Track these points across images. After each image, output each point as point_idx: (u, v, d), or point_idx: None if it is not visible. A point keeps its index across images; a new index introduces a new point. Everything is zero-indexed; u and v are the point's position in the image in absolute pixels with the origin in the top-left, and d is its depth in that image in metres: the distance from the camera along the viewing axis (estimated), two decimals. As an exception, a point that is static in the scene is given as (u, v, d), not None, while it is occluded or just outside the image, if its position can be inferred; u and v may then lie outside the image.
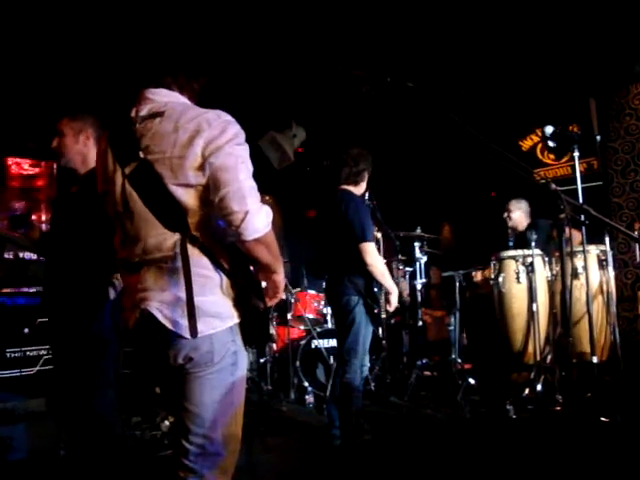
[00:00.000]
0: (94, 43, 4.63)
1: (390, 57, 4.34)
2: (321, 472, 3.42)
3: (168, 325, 1.68)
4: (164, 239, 1.70)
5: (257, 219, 1.64)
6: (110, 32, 4.45)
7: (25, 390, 4.76)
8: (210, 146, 1.64)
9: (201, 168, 1.64)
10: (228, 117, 1.72)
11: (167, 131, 1.68)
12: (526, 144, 7.19)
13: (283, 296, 1.95)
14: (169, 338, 1.70)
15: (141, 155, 1.69)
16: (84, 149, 2.81)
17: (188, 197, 1.67)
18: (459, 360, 5.00)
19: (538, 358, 4.44)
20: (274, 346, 5.33)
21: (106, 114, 1.81)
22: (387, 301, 3.54)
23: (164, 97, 1.78)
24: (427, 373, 5.37)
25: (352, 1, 4.28)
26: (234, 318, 1.75)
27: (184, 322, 1.67)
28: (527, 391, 4.41)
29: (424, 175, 7.57)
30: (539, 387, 4.34)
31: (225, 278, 1.73)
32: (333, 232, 3.61)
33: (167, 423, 4.12)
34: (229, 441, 1.79)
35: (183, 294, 1.68)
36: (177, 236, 1.69)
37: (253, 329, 1.79)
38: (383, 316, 3.56)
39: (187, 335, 1.67)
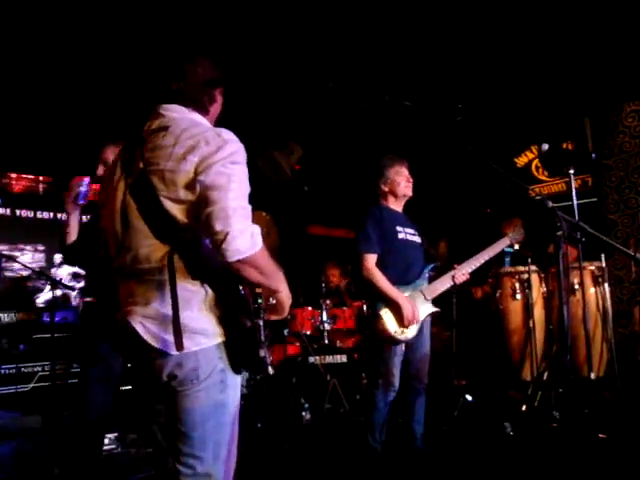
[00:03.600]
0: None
1: (388, 76, 4.39)
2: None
3: (149, 340, 1.67)
4: (154, 250, 1.69)
5: (239, 241, 1.58)
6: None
7: (20, 407, 4.73)
8: (203, 163, 1.62)
9: (192, 185, 1.62)
10: (229, 136, 1.69)
11: (167, 144, 1.67)
12: (521, 161, 7.25)
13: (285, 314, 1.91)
14: (152, 353, 1.69)
15: (141, 166, 1.69)
16: None
17: (178, 211, 1.66)
18: (456, 376, 4.98)
19: (535, 374, 4.44)
20: (270, 369, 5.15)
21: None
22: (400, 317, 3.32)
23: (174, 113, 1.78)
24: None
25: (352, 20, 4.33)
26: (220, 336, 1.71)
27: (167, 337, 1.65)
28: (524, 407, 4.40)
29: (420, 192, 7.59)
30: (536, 404, 4.33)
31: (211, 294, 1.70)
32: None
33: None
34: (221, 461, 1.75)
35: (167, 309, 1.67)
36: (166, 248, 1.68)
37: (239, 349, 1.73)
38: (400, 331, 3.37)
39: (170, 351, 1.65)
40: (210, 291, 1.70)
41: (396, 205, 3.67)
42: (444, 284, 3.59)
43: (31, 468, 3.54)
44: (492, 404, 4.83)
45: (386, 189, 3.62)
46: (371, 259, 3.37)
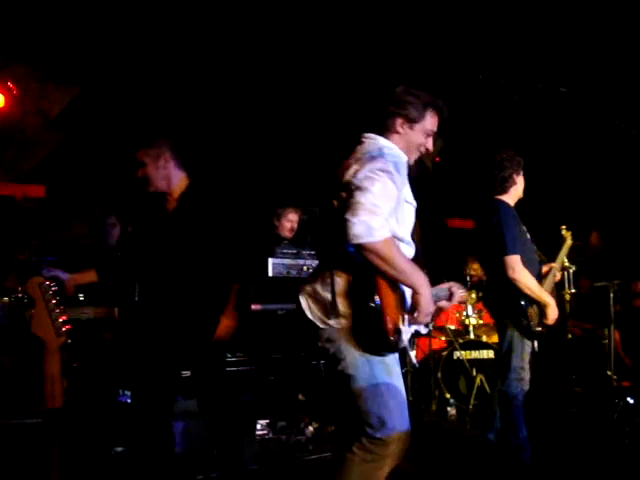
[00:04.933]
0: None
1: (539, 62, 4.15)
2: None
3: (307, 312, 2.10)
4: (331, 239, 2.12)
5: (357, 227, 1.89)
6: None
7: (182, 391, 5.10)
8: (359, 169, 2.03)
9: (347, 185, 2.02)
10: (391, 151, 2.12)
11: (350, 160, 2.13)
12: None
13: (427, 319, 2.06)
14: (311, 325, 2.10)
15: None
16: (166, 172, 2.94)
17: (338, 207, 2.06)
18: (615, 377, 4.65)
19: None
20: (413, 357, 5.17)
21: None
22: (544, 315, 3.32)
23: (368, 139, 2.22)
24: (578, 389, 5.06)
25: (497, 6, 4.18)
26: (353, 317, 2.04)
27: (319, 313, 2.08)
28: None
29: (572, 179, 7.16)
30: None
31: (352, 280, 2.04)
32: (484, 244, 3.53)
33: (311, 429, 4.24)
34: (389, 428, 2.00)
35: (321, 288, 2.08)
36: (334, 239, 2.06)
37: (365, 327, 2.00)
38: (539, 329, 3.34)
39: (319, 324, 2.07)
40: (351, 277, 2.05)
41: (513, 202, 3.58)
42: (550, 285, 3.58)
43: (192, 447, 3.76)
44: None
45: (517, 182, 3.52)
46: (519, 260, 3.28)
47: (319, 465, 3.64)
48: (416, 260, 2.23)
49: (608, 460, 3.70)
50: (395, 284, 2.03)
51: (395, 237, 2.06)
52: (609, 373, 4.66)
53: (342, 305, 2.02)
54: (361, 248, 1.91)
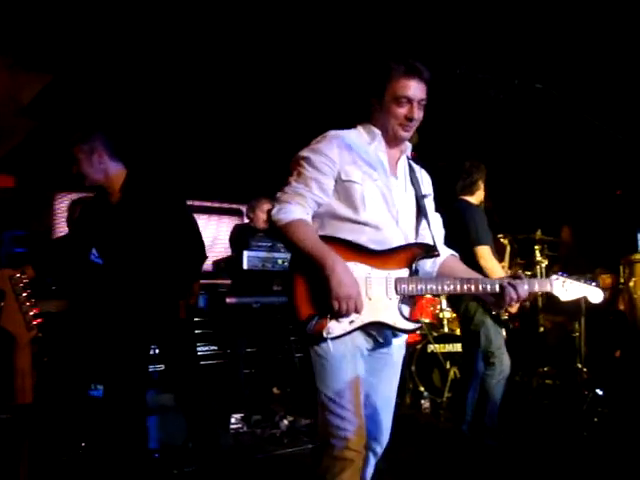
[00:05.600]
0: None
1: (516, 59, 4.22)
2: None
3: None
4: None
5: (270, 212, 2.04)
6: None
7: (157, 385, 5.07)
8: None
9: None
10: (322, 136, 2.11)
11: None
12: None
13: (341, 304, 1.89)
14: None
15: None
16: (102, 166, 2.94)
17: None
18: (585, 369, 4.73)
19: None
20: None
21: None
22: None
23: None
24: (549, 381, 5.14)
25: (475, 1, 4.22)
26: None
27: None
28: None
29: (544, 175, 7.25)
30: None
31: None
32: (450, 239, 3.68)
33: (286, 422, 4.24)
34: (322, 421, 2.02)
35: None
36: None
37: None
38: (505, 317, 3.51)
39: None
40: None
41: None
42: None
43: (167, 442, 3.74)
44: (625, 398, 4.56)
45: (481, 187, 3.87)
46: (490, 250, 3.58)
47: (294, 459, 3.65)
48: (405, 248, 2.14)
49: (575, 449, 3.78)
50: (314, 269, 1.91)
51: (346, 219, 2.04)
52: (579, 365, 4.74)
53: None
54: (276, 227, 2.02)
